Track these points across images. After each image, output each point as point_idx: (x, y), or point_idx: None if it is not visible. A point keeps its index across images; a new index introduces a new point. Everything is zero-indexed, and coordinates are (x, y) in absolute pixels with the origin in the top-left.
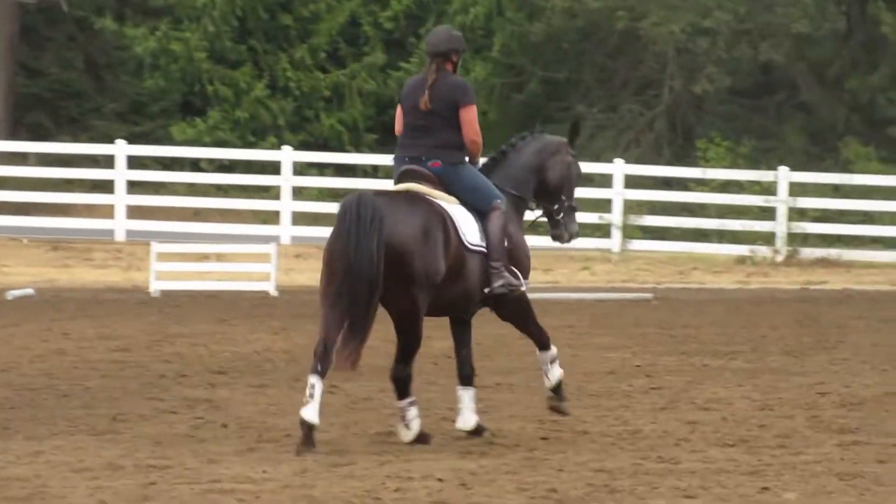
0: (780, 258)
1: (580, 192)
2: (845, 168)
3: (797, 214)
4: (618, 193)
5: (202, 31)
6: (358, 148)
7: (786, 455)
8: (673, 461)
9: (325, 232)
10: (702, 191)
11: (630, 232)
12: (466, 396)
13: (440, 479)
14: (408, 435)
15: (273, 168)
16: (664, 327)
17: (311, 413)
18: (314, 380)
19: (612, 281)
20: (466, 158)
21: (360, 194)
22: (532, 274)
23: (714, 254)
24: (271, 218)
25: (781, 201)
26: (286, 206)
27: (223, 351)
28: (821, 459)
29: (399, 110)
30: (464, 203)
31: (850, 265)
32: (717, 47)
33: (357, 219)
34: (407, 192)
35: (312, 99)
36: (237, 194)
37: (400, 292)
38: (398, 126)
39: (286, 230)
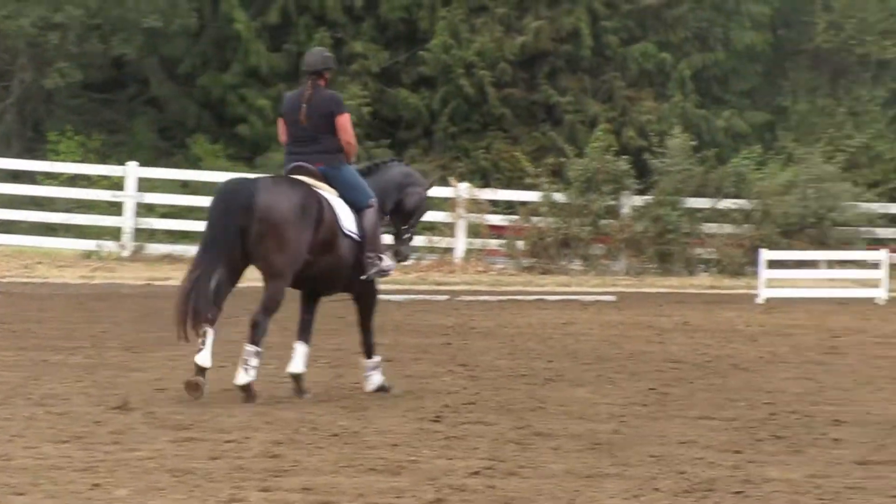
0: (126, 253)
1: None
2: (194, 164)
3: (145, 210)
4: None
5: None
6: None
7: (120, 451)
8: (5, 458)
9: None
10: (50, 184)
11: None
12: (300, 350)
13: None
14: (243, 378)
15: None
16: (5, 322)
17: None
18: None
19: None
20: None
21: (238, 180)
22: None
23: (61, 248)
24: None
25: (130, 196)
26: None
27: None
28: (154, 456)
29: (281, 122)
30: (343, 198)
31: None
32: (69, 42)
33: (228, 199)
34: (293, 178)
35: None
36: None
37: (273, 257)
38: (282, 136)
39: None
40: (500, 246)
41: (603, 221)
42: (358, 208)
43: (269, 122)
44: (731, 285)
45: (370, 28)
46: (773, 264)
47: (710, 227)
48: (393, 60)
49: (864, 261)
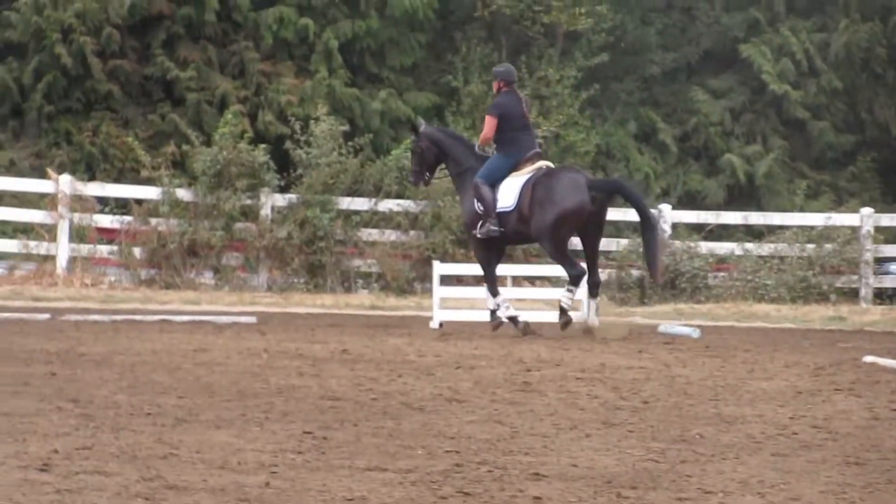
0: None
1: None
2: None
3: None
4: None
5: None
6: None
7: None
8: None
9: None
10: None
11: None
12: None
13: None
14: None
15: None
16: None
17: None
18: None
19: None
20: None
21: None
22: None
23: None
24: None
25: None
26: None
27: None
28: None
29: (495, 120)
30: None
31: None
32: None
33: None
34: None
35: None
36: None
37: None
38: (492, 131)
39: None
40: (112, 254)
41: (238, 225)
42: None
43: None
44: (398, 305)
45: None
46: (448, 280)
47: (370, 234)
48: None
49: (559, 277)
